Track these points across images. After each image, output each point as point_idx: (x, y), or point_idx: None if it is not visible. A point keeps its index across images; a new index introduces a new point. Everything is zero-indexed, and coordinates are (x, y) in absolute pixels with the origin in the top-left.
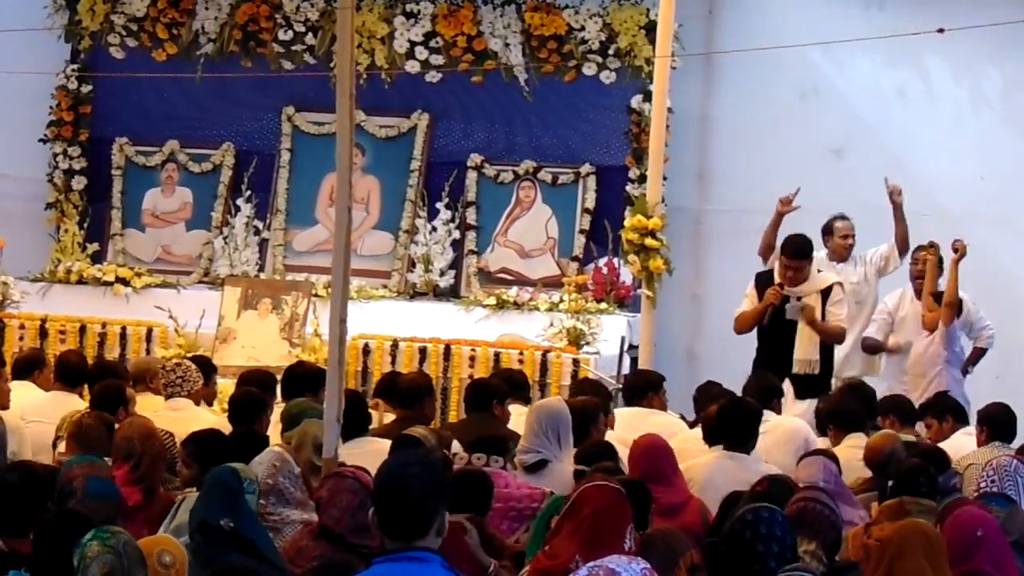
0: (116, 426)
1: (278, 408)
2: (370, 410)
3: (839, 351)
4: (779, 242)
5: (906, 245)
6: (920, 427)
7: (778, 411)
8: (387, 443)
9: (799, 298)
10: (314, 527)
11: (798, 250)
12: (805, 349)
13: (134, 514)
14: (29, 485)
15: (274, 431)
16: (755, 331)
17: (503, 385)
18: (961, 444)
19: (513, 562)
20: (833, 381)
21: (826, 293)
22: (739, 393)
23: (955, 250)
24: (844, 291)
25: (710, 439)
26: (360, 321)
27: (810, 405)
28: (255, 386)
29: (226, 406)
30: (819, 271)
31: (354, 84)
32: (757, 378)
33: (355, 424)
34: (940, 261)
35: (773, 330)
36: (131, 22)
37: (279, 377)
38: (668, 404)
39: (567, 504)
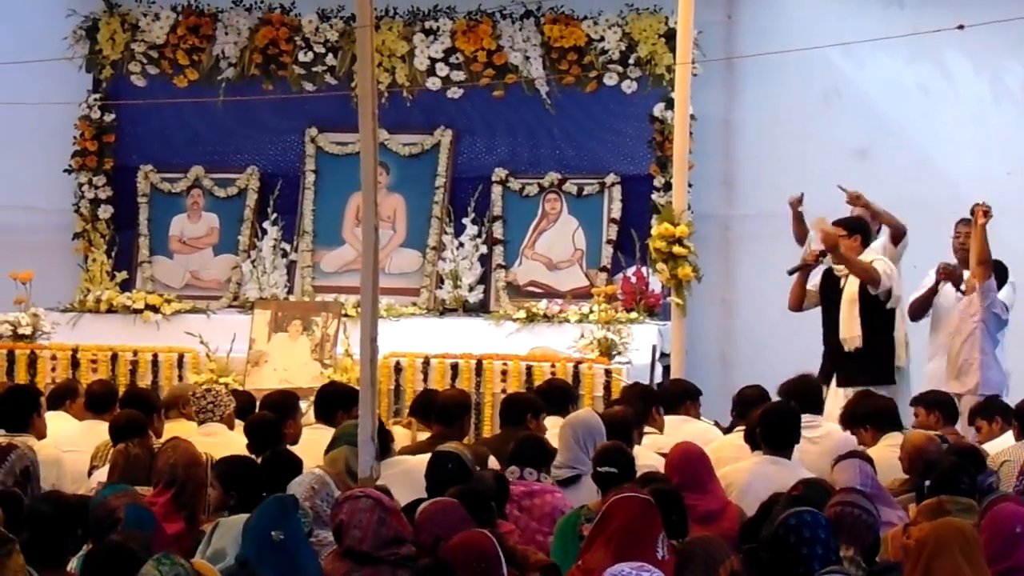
0: (157, 451)
1: (307, 429)
2: (404, 428)
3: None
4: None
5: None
6: (968, 429)
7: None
8: (418, 461)
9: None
10: (339, 551)
11: (841, 220)
12: (847, 325)
13: (175, 542)
14: (61, 516)
15: (305, 452)
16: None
17: (538, 399)
18: (1010, 444)
19: (543, 574)
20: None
21: None
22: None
23: (984, 213)
24: (887, 266)
25: (754, 443)
26: (391, 339)
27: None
28: (271, 409)
29: None
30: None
31: (376, 103)
32: (795, 382)
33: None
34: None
35: (825, 310)
36: (151, 49)
37: (311, 398)
38: (702, 411)
39: (598, 517)
